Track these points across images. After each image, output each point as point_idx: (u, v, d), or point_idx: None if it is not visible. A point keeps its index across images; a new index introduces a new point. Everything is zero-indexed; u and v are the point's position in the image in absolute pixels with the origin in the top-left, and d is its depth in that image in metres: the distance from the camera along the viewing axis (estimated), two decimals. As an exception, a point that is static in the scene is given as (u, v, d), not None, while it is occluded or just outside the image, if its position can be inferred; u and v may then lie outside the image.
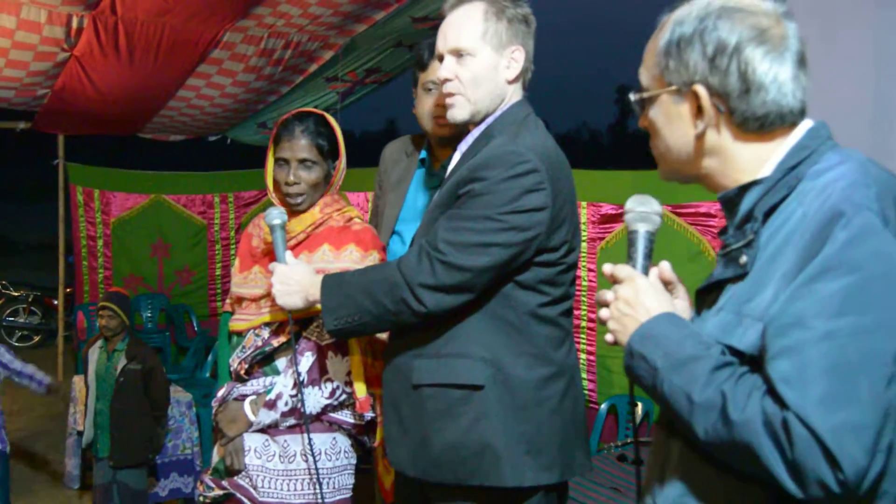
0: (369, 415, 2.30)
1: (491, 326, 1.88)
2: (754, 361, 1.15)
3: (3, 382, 4.01)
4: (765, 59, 1.20)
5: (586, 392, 4.86)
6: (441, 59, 1.97)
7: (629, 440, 4.18)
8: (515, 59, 1.94)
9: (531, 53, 1.97)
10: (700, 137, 1.26)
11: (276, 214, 2.21)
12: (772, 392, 1.08)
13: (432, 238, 1.84)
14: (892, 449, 1.06)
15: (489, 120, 1.95)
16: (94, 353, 4.00)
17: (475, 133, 1.98)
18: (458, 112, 1.95)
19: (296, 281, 2.05)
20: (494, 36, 1.91)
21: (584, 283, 5.01)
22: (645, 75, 1.32)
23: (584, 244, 5.01)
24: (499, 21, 1.91)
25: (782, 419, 1.05)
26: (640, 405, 4.46)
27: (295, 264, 2.11)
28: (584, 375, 4.89)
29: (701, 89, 1.23)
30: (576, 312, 5.00)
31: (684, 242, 4.40)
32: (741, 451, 1.10)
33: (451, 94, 1.95)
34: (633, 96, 1.34)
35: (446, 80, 1.95)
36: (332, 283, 1.97)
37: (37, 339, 9.39)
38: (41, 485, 4.89)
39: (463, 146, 2.01)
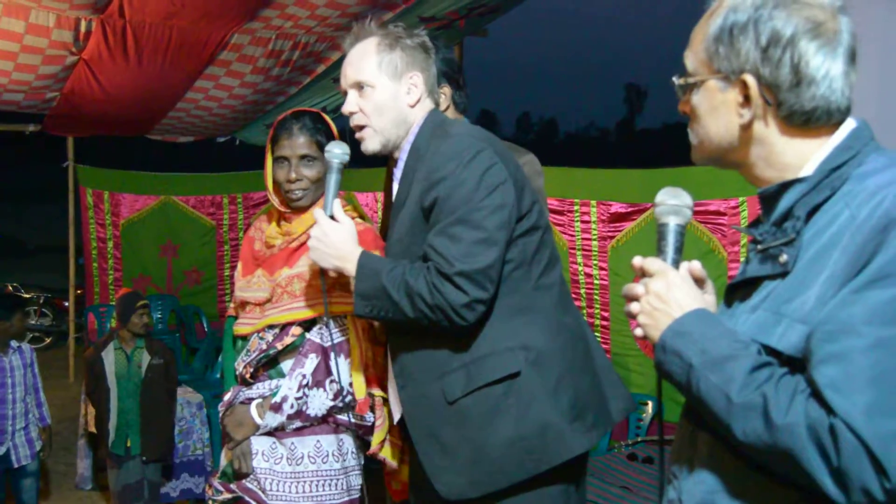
0: (370, 416, 2.29)
1: (506, 316, 1.89)
2: (792, 363, 1.13)
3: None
4: (818, 53, 1.17)
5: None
6: (346, 95, 2.03)
7: (639, 439, 4.16)
8: (415, 85, 2.01)
9: (433, 76, 2.05)
10: (746, 127, 1.23)
11: (339, 154, 2.07)
12: (816, 396, 1.06)
13: (438, 260, 1.81)
14: None
15: (410, 139, 2.01)
16: (110, 355, 3.98)
17: (403, 157, 2.03)
18: (370, 143, 2.02)
19: (334, 245, 1.97)
20: (389, 65, 1.98)
21: (597, 282, 5.00)
22: (691, 59, 1.28)
23: (594, 243, 5.00)
24: (392, 51, 1.99)
25: (829, 425, 1.04)
26: (649, 404, 4.44)
27: (341, 223, 2.01)
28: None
29: (750, 79, 1.20)
30: (589, 311, 4.99)
31: (694, 241, 4.36)
32: (781, 454, 1.09)
33: (359, 128, 2.02)
34: (676, 80, 1.30)
35: (352, 114, 2.01)
36: (369, 270, 1.91)
37: (48, 340, 9.43)
38: (53, 486, 4.91)
39: (397, 172, 2.05)
